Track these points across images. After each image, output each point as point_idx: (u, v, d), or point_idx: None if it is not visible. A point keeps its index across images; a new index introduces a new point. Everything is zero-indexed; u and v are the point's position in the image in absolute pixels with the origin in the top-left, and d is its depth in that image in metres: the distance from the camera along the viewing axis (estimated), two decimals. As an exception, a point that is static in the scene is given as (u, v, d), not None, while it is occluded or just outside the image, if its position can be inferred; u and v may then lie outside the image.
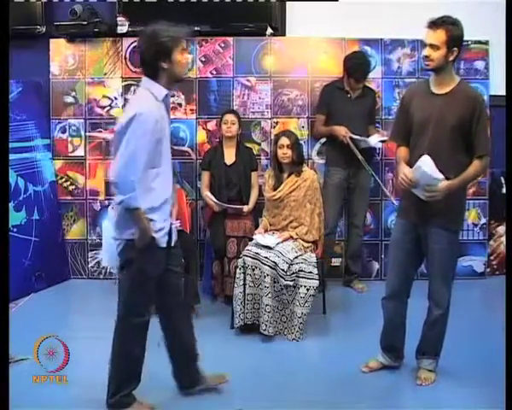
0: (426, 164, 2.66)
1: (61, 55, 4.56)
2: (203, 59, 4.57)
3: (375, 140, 4.15)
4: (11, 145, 3.97)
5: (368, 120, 4.26)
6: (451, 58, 2.68)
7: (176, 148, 4.57)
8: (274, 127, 4.57)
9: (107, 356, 3.23)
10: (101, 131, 4.60)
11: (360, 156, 4.05)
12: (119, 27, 4.40)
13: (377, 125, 4.46)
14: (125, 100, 4.56)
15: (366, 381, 2.99)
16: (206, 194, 4.16)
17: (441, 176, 2.65)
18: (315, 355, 3.27)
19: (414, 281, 2.95)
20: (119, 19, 4.39)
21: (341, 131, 4.09)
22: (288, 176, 3.76)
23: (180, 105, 4.57)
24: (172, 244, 2.66)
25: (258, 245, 3.53)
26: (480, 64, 4.54)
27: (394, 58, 4.54)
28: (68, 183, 4.63)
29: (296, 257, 3.53)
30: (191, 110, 4.58)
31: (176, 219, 4.06)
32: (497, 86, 4.40)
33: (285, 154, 3.71)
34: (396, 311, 2.97)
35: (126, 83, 4.57)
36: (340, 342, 3.45)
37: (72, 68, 4.57)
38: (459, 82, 2.76)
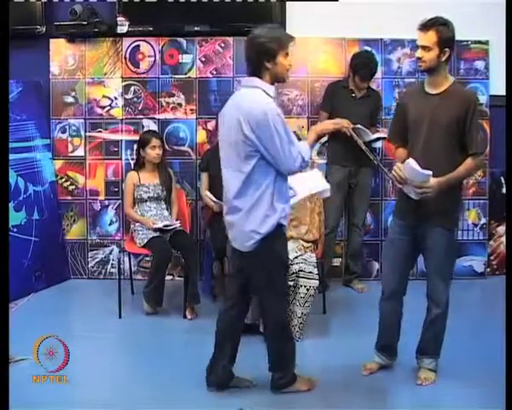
0: (413, 161, 2.69)
1: (61, 55, 4.56)
2: (203, 59, 4.57)
3: (376, 135, 4.16)
4: (11, 145, 3.96)
5: (370, 120, 4.26)
6: (444, 58, 2.70)
7: (176, 148, 4.59)
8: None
9: (107, 356, 3.24)
10: (101, 131, 4.60)
11: (364, 146, 4.02)
12: (119, 27, 4.40)
13: (377, 124, 4.46)
14: (125, 100, 4.57)
15: (366, 381, 2.99)
16: (206, 193, 4.16)
17: (429, 171, 2.67)
18: (315, 355, 3.27)
19: (414, 280, 2.97)
20: (119, 19, 4.39)
21: (344, 122, 4.07)
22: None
23: (180, 105, 4.58)
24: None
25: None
26: (480, 64, 4.54)
27: (394, 58, 4.54)
28: (68, 183, 4.63)
29: (296, 257, 3.53)
30: (191, 110, 4.58)
31: (176, 219, 4.10)
32: (497, 86, 4.40)
33: None
34: (394, 311, 2.99)
35: (126, 83, 4.57)
36: (340, 342, 3.44)
37: (72, 68, 4.57)
38: (453, 82, 2.79)
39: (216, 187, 4.20)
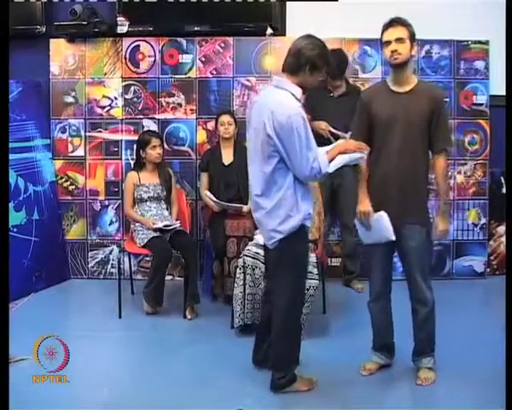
0: (384, 218, 2.81)
1: (61, 55, 4.56)
2: (203, 59, 4.57)
3: None
4: (11, 145, 3.96)
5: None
6: (413, 53, 2.80)
7: (176, 148, 4.59)
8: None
9: (107, 356, 3.24)
10: (101, 131, 4.60)
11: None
12: (119, 27, 4.40)
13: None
14: (125, 100, 4.57)
15: (366, 381, 2.99)
16: (206, 193, 4.16)
17: (392, 237, 2.80)
18: (315, 355, 3.27)
19: (402, 281, 2.98)
20: (119, 19, 4.39)
21: (321, 125, 4.08)
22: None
23: (180, 105, 4.58)
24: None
25: (258, 245, 3.52)
26: (480, 64, 4.54)
27: (394, 58, 4.53)
28: (68, 183, 4.63)
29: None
30: (191, 110, 4.58)
31: (176, 219, 4.10)
32: (497, 86, 4.40)
33: None
34: (384, 309, 3.01)
35: (126, 83, 4.57)
36: (340, 342, 3.44)
37: (72, 68, 4.57)
38: (418, 81, 2.86)
39: (216, 187, 4.21)
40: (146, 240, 3.90)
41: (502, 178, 4.61)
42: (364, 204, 2.90)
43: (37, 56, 4.51)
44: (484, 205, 4.62)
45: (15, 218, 4.17)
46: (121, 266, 4.19)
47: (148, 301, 3.87)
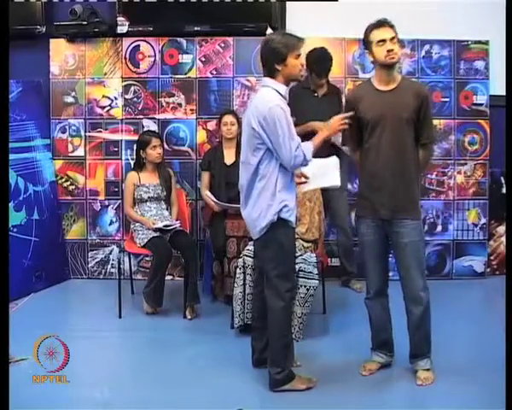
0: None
1: (61, 55, 4.56)
2: (203, 59, 4.57)
3: None
4: (11, 145, 3.97)
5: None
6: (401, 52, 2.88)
7: (176, 148, 4.59)
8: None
9: (107, 356, 3.24)
10: (101, 131, 4.60)
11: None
12: (119, 27, 4.41)
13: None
14: (125, 100, 4.57)
15: (366, 381, 2.99)
16: (206, 193, 4.16)
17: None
18: (315, 355, 3.27)
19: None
20: (119, 19, 4.40)
21: (320, 125, 4.07)
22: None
23: (180, 105, 4.58)
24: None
25: (258, 245, 3.53)
26: (480, 64, 4.54)
27: (394, 58, 4.53)
28: (68, 183, 4.63)
29: (296, 257, 3.53)
30: (191, 110, 4.58)
31: (176, 219, 4.10)
32: (497, 86, 4.40)
33: None
34: (382, 307, 3.01)
35: (126, 83, 4.57)
36: (339, 341, 3.45)
37: (72, 68, 4.57)
38: (402, 77, 2.90)
39: (217, 187, 4.21)
40: (146, 240, 3.90)
41: (502, 178, 4.61)
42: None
43: (37, 56, 4.51)
44: (484, 205, 4.62)
45: (15, 218, 4.17)
46: (121, 266, 4.19)
47: (148, 301, 3.87)
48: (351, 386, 2.93)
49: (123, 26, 4.39)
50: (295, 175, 2.90)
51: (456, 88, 4.54)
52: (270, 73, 2.78)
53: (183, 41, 4.56)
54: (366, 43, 2.85)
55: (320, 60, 4.15)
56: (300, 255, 3.56)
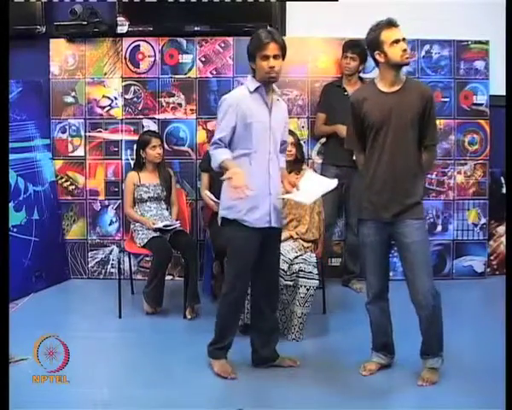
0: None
1: (61, 55, 4.56)
2: (203, 59, 4.57)
3: None
4: (11, 145, 3.96)
5: None
6: None
7: (176, 148, 4.59)
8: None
9: (107, 356, 3.24)
10: (101, 131, 4.60)
11: None
12: (119, 27, 4.41)
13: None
14: (125, 100, 4.57)
15: (366, 381, 2.99)
16: (206, 193, 4.15)
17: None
18: (315, 355, 3.27)
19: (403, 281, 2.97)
20: (119, 19, 4.40)
21: (339, 127, 4.10)
22: (289, 174, 3.75)
23: (180, 105, 4.58)
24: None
25: (258, 245, 3.53)
26: (480, 64, 4.54)
27: (394, 58, 4.53)
28: (68, 183, 4.63)
29: (296, 257, 3.53)
30: (191, 110, 4.58)
31: (176, 219, 4.10)
32: (497, 86, 4.40)
33: (290, 151, 3.70)
34: (382, 310, 3.00)
35: (126, 83, 4.58)
36: (340, 341, 3.45)
37: (72, 68, 4.57)
38: (406, 78, 2.86)
39: (216, 187, 4.20)
40: (146, 240, 3.90)
41: (502, 178, 4.62)
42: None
43: (37, 56, 4.51)
44: (484, 205, 4.62)
45: (15, 218, 4.17)
46: (121, 266, 4.19)
47: (148, 302, 3.87)
48: (351, 386, 2.93)
49: (123, 26, 4.40)
50: (289, 183, 2.95)
51: (456, 88, 4.55)
52: (251, 70, 2.87)
53: (183, 41, 4.56)
54: (375, 43, 2.78)
55: (355, 44, 4.20)
56: (300, 255, 3.56)
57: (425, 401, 2.82)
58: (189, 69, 4.57)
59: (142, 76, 4.58)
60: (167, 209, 4.14)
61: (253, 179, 2.75)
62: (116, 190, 4.61)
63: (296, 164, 3.77)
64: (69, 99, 4.59)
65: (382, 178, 2.83)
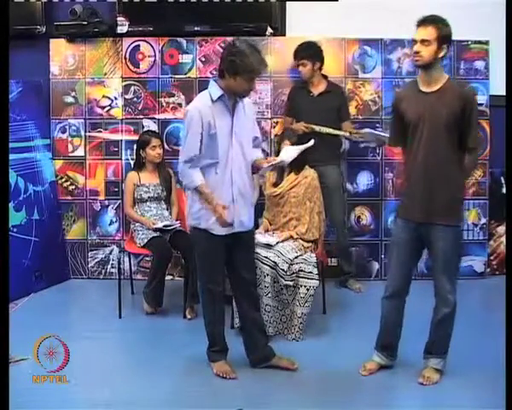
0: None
1: (61, 55, 4.56)
2: (203, 59, 4.57)
3: (341, 132, 4.19)
4: (11, 145, 3.96)
5: (337, 115, 4.23)
6: (441, 55, 2.75)
7: (176, 148, 4.58)
8: (274, 127, 4.57)
9: (107, 356, 3.24)
10: (101, 131, 4.60)
11: (326, 129, 4.08)
12: (119, 27, 4.40)
13: (377, 125, 4.46)
14: (125, 100, 4.57)
15: (366, 381, 2.99)
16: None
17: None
18: (315, 355, 3.27)
19: (416, 280, 2.98)
20: (119, 19, 4.40)
21: (299, 125, 4.09)
22: (289, 173, 3.76)
23: (180, 105, 4.57)
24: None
25: (258, 245, 3.53)
26: (480, 64, 4.54)
27: (394, 58, 4.53)
28: (68, 183, 4.63)
29: (296, 257, 3.53)
30: (191, 110, 4.58)
31: (176, 219, 4.10)
32: (497, 86, 4.40)
33: None
34: (397, 309, 2.98)
35: (126, 83, 4.57)
36: (339, 341, 3.44)
37: (72, 68, 4.57)
38: (448, 79, 2.82)
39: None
40: (146, 240, 3.90)
41: (502, 178, 4.61)
42: None
43: (37, 56, 4.51)
44: (484, 205, 4.62)
45: (15, 218, 4.17)
46: (121, 266, 4.19)
47: (148, 301, 3.87)
48: (351, 386, 2.93)
49: (123, 26, 4.39)
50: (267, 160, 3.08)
51: (456, 88, 4.54)
52: (220, 75, 2.85)
53: (183, 41, 4.56)
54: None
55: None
56: (300, 255, 3.56)
57: (425, 400, 2.83)
58: (189, 69, 4.57)
59: (142, 76, 4.58)
60: (167, 209, 4.14)
61: (219, 189, 2.87)
62: (116, 190, 4.61)
63: (296, 164, 3.74)
64: (69, 99, 4.59)
65: (415, 177, 2.82)
